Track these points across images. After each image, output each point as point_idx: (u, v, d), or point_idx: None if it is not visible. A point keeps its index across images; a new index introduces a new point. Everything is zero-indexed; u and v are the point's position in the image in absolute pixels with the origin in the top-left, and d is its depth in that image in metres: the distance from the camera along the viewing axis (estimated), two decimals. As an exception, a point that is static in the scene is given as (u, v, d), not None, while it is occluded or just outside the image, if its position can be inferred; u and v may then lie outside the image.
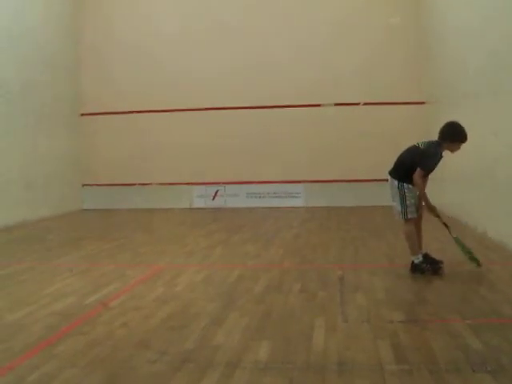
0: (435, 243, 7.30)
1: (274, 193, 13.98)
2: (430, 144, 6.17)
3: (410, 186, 6.17)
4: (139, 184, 14.34)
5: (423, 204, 6.29)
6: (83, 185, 14.69)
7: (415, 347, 4.07)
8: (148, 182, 14.29)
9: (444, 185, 10.39)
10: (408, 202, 6.18)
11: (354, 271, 6.61)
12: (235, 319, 4.83)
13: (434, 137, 6.19)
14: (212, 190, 14.23)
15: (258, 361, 3.88)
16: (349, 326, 4.57)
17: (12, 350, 4.20)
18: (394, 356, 3.89)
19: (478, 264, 6.27)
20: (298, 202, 13.82)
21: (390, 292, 5.62)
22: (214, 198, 14.19)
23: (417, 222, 6.37)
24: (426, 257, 6.23)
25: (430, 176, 6.33)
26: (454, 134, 6.02)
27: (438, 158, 6.12)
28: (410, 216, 6.20)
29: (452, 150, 6.11)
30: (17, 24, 11.92)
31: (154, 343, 4.29)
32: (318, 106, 13.71)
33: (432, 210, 6.20)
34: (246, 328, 4.58)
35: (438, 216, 6.25)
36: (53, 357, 4.03)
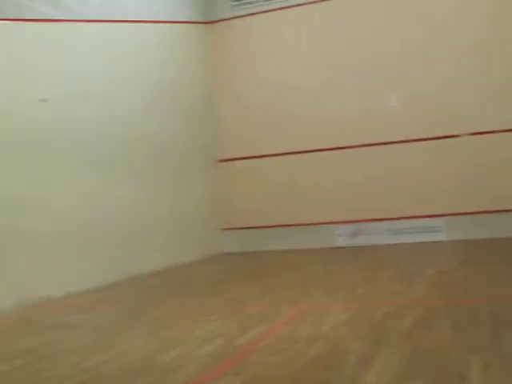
0: None
1: (414, 228, 13.65)
2: None
3: None
4: (278, 226, 14.50)
5: None
6: (223, 229, 15.05)
7: None
8: (287, 224, 14.41)
9: None
10: None
11: (507, 306, 6.30)
12: (385, 357, 4.71)
13: None
14: (352, 228, 14.11)
15: (412, 400, 3.77)
16: (507, 363, 4.34)
17: (167, 391, 4.34)
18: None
19: None
20: (439, 237, 13.39)
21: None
22: (354, 237, 14.07)
23: None
24: None
25: None
26: None
27: None
28: None
29: None
30: (156, 82, 12.61)
31: (305, 382, 4.27)
32: (455, 136, 13.33)
33: None
34: (397, 367, 4.46)
35: None
36: (207, 397, 4.12)
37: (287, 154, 14.48)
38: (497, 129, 13.06)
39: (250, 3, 14.99)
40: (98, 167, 10.64)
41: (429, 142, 13.47)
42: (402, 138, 13.61)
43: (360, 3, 14.25)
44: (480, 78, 13.15)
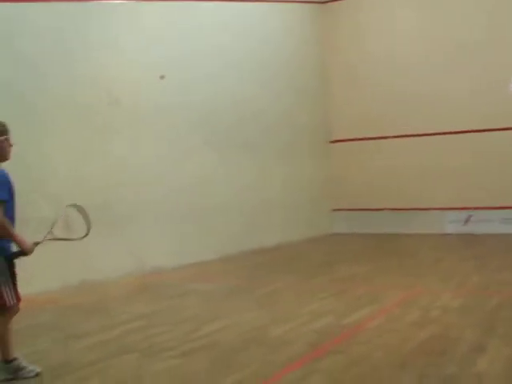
0: None
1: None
2: None
3: None
4: (388, 209, 14.33)
5: None
6: (333, 209, 15.05)
7: None
8: (397, 207, 14.22)
9: None
10: None
11: None
12: (498, 347, 4.62)
13: None
14: (464, 215, 13.74)
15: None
16: None
17: (277, 363, 4.44)
18: None
19: None
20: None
21: None
22: (466, 224, 13.69)
23: None
24: None
25: None
26: None
27: None
28: None
29: None
30: (271, 60, 12.70)
31: (413, 366, 4.25)
32: None
33: None
34: (509, 357, 4.37)
35: None
36: (315, 371, 4.19)
37: (401, 136, 14.22)
38: None
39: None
40: (213, 145, 10.88)
41: None
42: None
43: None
44: None
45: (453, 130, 13.64)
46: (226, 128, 11.26)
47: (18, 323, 4.55)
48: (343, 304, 6.47)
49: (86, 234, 4.54)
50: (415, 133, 14.02)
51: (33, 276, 5.96)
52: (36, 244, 4.18)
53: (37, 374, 4.27)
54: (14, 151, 4.30)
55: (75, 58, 8.44)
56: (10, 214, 4.11)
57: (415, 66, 14.08)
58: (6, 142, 4.17)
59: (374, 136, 14.51)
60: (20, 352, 4.38)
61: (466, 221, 13.70)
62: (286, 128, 13.19)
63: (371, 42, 14.64)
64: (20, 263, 4.29)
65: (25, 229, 4.49)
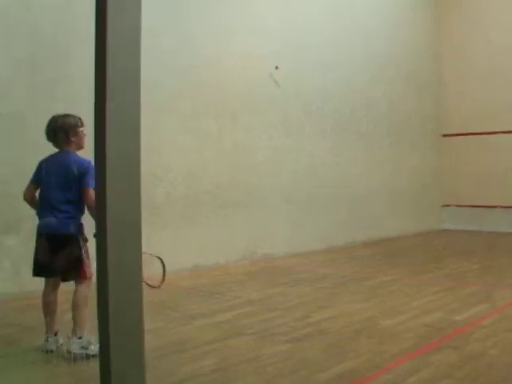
0: None
1: None
2: None
3: None
4: (501, 207, 13.90)
5: None
6: (443, 205, 14.76)
7: None
8: (511, 205, 13.76)
9: None
10: None
11: None
12: None
13: None
14: None
15: None
16: None
17: (388, 353, 4.48)
18: None
19: None
20: None
21: None
22: None
23: None
24: None
25: None
26: None
27: None
28: None
29: None
30: (385, 47, 12.58)
31: (530, 367, 4.19)
32: None
33: None
34: None
35: None
36: (428, 365, 4.19)
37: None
38: None
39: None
40: (326, 134, 10.94)
41: None
42: None
43: None
44: None
45: None
46: (339, 117, 11.26)
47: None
48: (454, 300, 6.38)
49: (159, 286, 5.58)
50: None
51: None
52: None
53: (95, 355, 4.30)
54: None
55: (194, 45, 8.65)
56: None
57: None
58: (83, 133, 4.65)
59: (489, 131, 14.07)
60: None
61: None
62: (398, 118, 13.04)
63: (492, 32, 14.05)
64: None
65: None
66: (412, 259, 9.76)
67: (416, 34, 13.95)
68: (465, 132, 14.42)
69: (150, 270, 4.98)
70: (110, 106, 1.47)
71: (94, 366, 2.29)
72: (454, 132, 14.60)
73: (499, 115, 13.83)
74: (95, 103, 1.52)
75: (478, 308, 6.01)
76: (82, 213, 4.59)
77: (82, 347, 4.36)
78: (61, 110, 4.77)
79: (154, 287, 5.62)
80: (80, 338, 4.39)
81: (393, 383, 3.86)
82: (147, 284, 5.01)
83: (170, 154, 8.35)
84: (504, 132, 13.81)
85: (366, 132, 12.02)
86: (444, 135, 14.77)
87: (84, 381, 4.00)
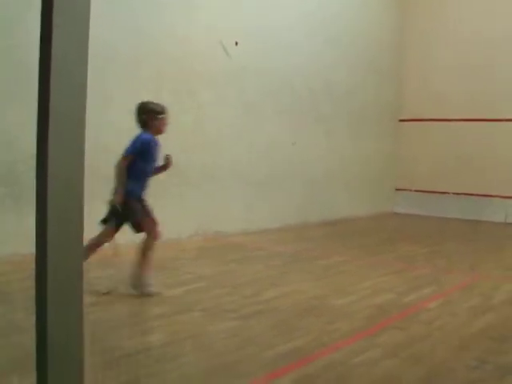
0: None
1: None
2: None
3: None
4: (452, 193, 14.12)
5: None
6: (396, 189, 14.93)
7: None
8: (461, 192, 13.99)
9: None
10: None
11: None
12: (560, 340, 4.60)
13: None
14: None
15: None
16: None
17: (337, 333, 4.53)
18: None
19: None
20: None
21: None
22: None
23: None
24: None
25: None
26: None
27: None
28: None
29: None
30: (347, 32, 12.58)
31: (473, 350, 4.26)
32: None
33: None
34: None
35: None
36: (375, 345, 4.25)
37: (473, 120, 13.92)
38: None
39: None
40: (285, 114, 10.90)
41: None
42: None
43: None
44: None
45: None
46: (298, 98, 11.23)
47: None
48: (403, 282, 6.48)
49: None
50: (489, 118, 13.70)
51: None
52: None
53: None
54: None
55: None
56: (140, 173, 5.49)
57: (503, 51, 13.57)
58: (163, 120, 5.58)
59: (445, 118, 14.24)
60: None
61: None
62: (357, 102, 13.08)
63: (454, 23, 14.13)
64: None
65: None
66: (364, 241, 9.84)
67: (379, 21, 13.95)
68: (422, 118, 14.57)
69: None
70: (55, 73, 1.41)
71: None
72: (412, 117, 14.74)
73: (456, 104, 13.98)
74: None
75: (425, 291, 6.11)
76: (131, 179, 5.39)
77: None
78: None
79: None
80: None
81: (340, 362, 3.89)
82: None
83: (123, 131, 8.20)
84: (458, 120, 13.99)
85: (324, 115, 12.02)
86: (400, 120, 14.90)
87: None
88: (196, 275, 6.50)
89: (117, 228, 5.51)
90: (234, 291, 5.79)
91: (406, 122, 14.86)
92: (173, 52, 8.75)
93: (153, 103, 5.62)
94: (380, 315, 5.09)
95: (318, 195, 11.74)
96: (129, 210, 5.40)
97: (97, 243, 5.44)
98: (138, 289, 5.37)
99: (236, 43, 9.74)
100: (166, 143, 8.40)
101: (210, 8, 9.27)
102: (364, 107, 13.37)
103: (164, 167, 5.74)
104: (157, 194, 8.46)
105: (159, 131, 5.61)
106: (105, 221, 5.44)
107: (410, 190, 14.66)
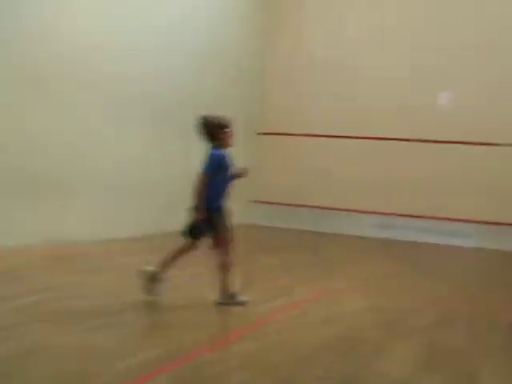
0: None
1: (445, 230, 13.59)
2: None
3: None
4: (309, 206, 14.55)
5: None
6: (255, 201, 15.18)
7: None
8: (319, 206, 14.45)
9: None
10: None
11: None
12: (400, 349, 4.83)
13: None
14: (383, 220, 14.12)
15: (424, 393, 3.88)
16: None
17: (189, 344, 4.49)
18: None
19: None
20: (469, 243, 13.33)
21: None
22: (385, 229, 14.06)
23: None
24: None
25: None
26: None
27: None
28: None
29: None
30: (210, 42, 12.71)
31: (321, 360, 4.40)
32: (498, 145, 13.23)
33: None
34: (412, 359, 4.57)
35: None
36: (226, 356, 4.28)
37: (329, 136, 14.48)
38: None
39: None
40: (149, 125, 10.81)
41: (471, 146, 13.39)
42: (450, 139, 13.50)
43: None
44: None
45: (382, 137, 13.98)
46: (163, 109, 11.18)
47: None
48: (257, 293, 6.56)
49: None
50: (344, 134, 14.30)
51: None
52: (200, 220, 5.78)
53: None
54: None
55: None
56: (219, 187, 5.96)
57: (356, 71, 14.36)
58: (229, 132, 5.97)
59: (302, 133, 14.72)
60: None
61: (385, 226, 14.06)
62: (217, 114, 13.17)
63: (314, 42, 14.84)
64: None
65: None
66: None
67: (245, 37, 14.26)
68: (279, 132, 14.98)
69: None
70: None
71: None
72: (270, 131, 15.09)
73: (314, 121, 14.54)
74: None
75: (277, 301, 6.25)
76: (212, 194, 5.86)
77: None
78: None
79: None
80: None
81: (189, 375, 3.87)
82: None
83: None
84: (317, 135, 14.52)
85: (184, 126, 11.90)
86: (260, 133, 15.19)
87: None
88: (44, 285, 6.24)
89: (197, 240, 5.84)
90: (84, 301, 5.62)
91: (265, 136, 15.17)
92: (31, 53, 8.44)
93: (217, 117, 6.00)
94: (233, 326, 5.14)
95: (174, 206, 11.66)
96: (213, 225, 5.77)
97: (177, 254, 5.84)
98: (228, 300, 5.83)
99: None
100: (13, 149, 8.07)
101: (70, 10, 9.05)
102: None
103: (238, 175, 6.27)
104: (8, 198, 8.17)
105: (227, 144, 5.97)
106: (186, 233, 5.81)
107: (269, 203, 14.95)
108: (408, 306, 6.60)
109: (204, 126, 5.95)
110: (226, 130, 5.92)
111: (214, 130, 5.89)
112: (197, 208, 5.72)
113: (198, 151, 12.08)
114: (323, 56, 14.62)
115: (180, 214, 11.47)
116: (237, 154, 13.67)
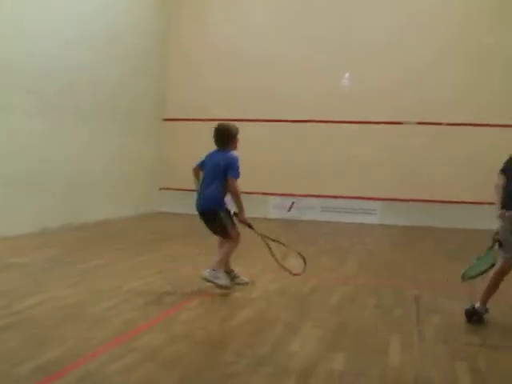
0: None
1: (350, 208, 13.89)
2: None
3: None
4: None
5: None
6: (161, 188, 15.00)
7: (494, 373, 3.99)
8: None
9: None
10: None
11: (431, 292, 6.54)
12: (310, 329, 4.86)
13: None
14: (288, 201, 14.27)
15: (332, 370, 3.89)
16: (425, 345, 4.53)
17: (94, 340, 4.35)
18: (472, 379, 3.83)
19: None
20: (373, 219, 13.69)
21: (468, 316, 5.51)
22: (289, 210, 14.23)
23: None
24: None
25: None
26: None
27: None
28: None
29: None
30: (111, 27, 12.35)
31: (231, 345, 4.37)
32: (400, 123, 13.61)
33: None
34: (321, 338, 4.60)
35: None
36: (132, 350, 4.15)
37: (232, 120, 14.36)
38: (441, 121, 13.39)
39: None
40: (41, 110, 10.35)
41: (377, 125, 13.70)
42: (358, 119, 13.75)
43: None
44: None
45: (285, 119, 14.08)
46: (60, 95, 10.74)
47: None
48: (165, 283, 6.45)
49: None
50: (246, 118, 14.26)
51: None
52: (249, 225, 6.61)
53: (247, 283, 6.52)
54: None
55: None
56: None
57: (256, 60, 14.44)
58: (237, 139, 6.65)
59: (206, 118, 14.61)
60: None
61: (290, 207, 14.20)
62: (122, 101, 12.91)
63: (216, 28, 14.82)
64: None
65: None
66: (129, 242, 9.71)
67: (146, 19, 13.98)
68: (185, 117, 14.82)
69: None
70: None
71: None
72: (175, 117, 14.91)
73: (218, 106, 14.44)
74: None
75: (186, 289, 6.15)
76: (224, 195, 6.31)
77: (212, 276, 6.05)
78: None
79: (298, 275, 6.35)
80: (214, 270, 6.09)
81: (95, 371, 3.74)
82: (290, 272, 6.41)
83: None
84: (221, 119, 14.34)
85: (88, 114, 11.66)
86: (165, 119, 15.01)
87: None
88: None
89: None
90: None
91: (169, 122, 15.00)
92: None
93: (233, 126, 6.74)
94: (140, 318, 5.00)
95: (79, 196, 11.36)
96: (225, 222, 6.35)
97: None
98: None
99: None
100: None
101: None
102: (129, 107, 13.25)
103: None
104: None
105: (236, 148, 6.68)
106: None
107: (176, 189, 14.81)
108: (316, 285, 6.66)
109: (225, 134, 6.63)
110: (238, 136, 6.65)
111: (233, 137, 6.60)
112: (240, 212, 6.35)
113: (101, 137, 12.06)
114: (226, 41, 14.56)
115: (83, 204, 11.37)
116: (142, 140, 13.76)
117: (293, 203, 14.22)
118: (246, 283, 6.51)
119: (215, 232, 6.51)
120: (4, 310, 5.12)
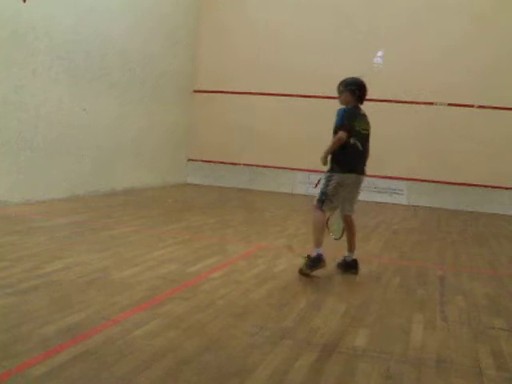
0: None
1: (376, 187, 13.80)
2: None
3: None
4: (243, 164, 14.53)
5: None
6: (189, 159, 15.04)
7: (517, 356, 3.97)
8: (252, 164, 14.44)
9: None
10: None
11: (455, 274, 6.50)
12: (333, 304, 4.86)
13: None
14: (315, 177, 14.19)
15: (355, 347, 3.89)
16: (448, 326, 4.50)
17: (118, 305, 4.40)
18: (494, 362, 3.80)
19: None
20: (400, 199, 13.60)
21: (492, 298, 5.47)
22: (316, 186, 14.12)
23: None
24: None
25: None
26: None
27: None
28: None
29: None
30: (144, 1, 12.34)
31: (254, 317, 4.38)
32: (432, 104, 13.43)
33: None
34: (344, 314, 4.60)
35: None
36: (156, 316, 4.19)
37: (263, 94, 14.39)
38: (473, 104, 13.18)
39: None
40: (73, 81, 10.36)
41: (406, 105, 13.53)
42: (388, 98, 13.59)
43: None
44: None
45: (315, 95, 13.94)
46: (91, 64, 10.74)
47: None
48: (189, 252, 6.50)
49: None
50: (278, 92, 14.23)
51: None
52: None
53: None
54: None
55: None
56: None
57: (287, 36, 14.23)
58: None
59: (237, 91, 14.58)
60: None
61: (316, 184, 14.12)
62: (152, 71, 12.88)
63: (247, 5, 14.64)
64: None
65: None
66: (154, 211, 9.76)
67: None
68: (215, 90, 14.78)
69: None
70: None
71: None
72: (206, 89, 14.88)
73: (248, 78, 14.37)
74: None
75: (211, 260, 6.18)
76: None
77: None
78: None
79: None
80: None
81: (119, 336, 3.78)
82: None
83: None
84: (250, 93, 14.40)
85: (118, 83, 11.66)
86: (195, 91, 14.97)
87: None
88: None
89: None
90: (13, 265, 5.40)
91: (199, 93, 14.96)
92: None
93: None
94: (164, 286, 5.04)
95: (108, 164, 11.42)
96: None
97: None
98: None
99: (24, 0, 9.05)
100: None
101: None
102: (159, 78, 13.21)
103: None
104: None
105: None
106: None
107: (203, 161, 14.85)
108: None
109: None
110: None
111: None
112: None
113: (131, 106, 12.10)
114: (259, 14, 14.41)
115: (112, 172, 11.45)
116: (172, 111, 13.76)
117: (319, 180, 14.12)
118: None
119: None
120: (30, 272, 5.19)
